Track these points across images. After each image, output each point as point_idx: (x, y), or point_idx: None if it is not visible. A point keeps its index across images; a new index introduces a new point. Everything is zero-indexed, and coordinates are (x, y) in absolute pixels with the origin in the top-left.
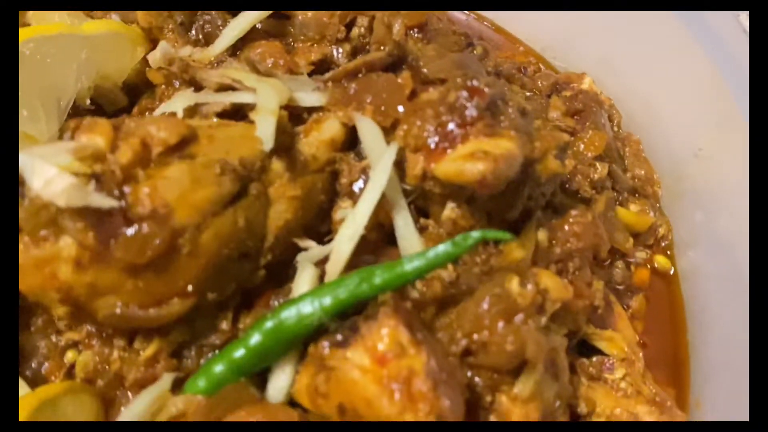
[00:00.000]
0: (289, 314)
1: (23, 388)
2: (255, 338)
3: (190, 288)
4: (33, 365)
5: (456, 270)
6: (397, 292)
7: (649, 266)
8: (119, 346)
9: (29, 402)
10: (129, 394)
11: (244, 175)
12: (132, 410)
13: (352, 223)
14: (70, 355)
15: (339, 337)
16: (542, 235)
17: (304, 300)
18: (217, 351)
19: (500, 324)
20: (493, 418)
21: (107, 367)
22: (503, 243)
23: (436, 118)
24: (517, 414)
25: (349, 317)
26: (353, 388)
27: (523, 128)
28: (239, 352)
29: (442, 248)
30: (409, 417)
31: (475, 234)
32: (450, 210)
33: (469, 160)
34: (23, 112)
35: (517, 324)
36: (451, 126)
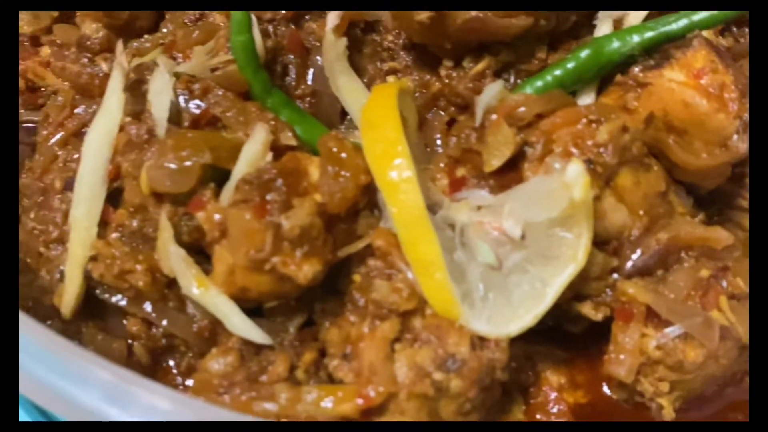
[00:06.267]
0: (609, 43)
1: None
2: (573, 61)
3: None
4: (364, 80)
5: None
6: None
7: None
8: (447, 66)
9: (394, 86)
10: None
11: None
12: (488, 93)
13: None
14: (391, 80)
15: (652, 62)
16: None
17: (623, 32)
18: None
19: None
20: None
21: (424, 90)
22: None
23: None
24: None
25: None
26: (669, 96)
27: None
28: (559, 71)
29: None
30: (721, 116)
31: None
32: None
33: None
34: None
35: None
36: None
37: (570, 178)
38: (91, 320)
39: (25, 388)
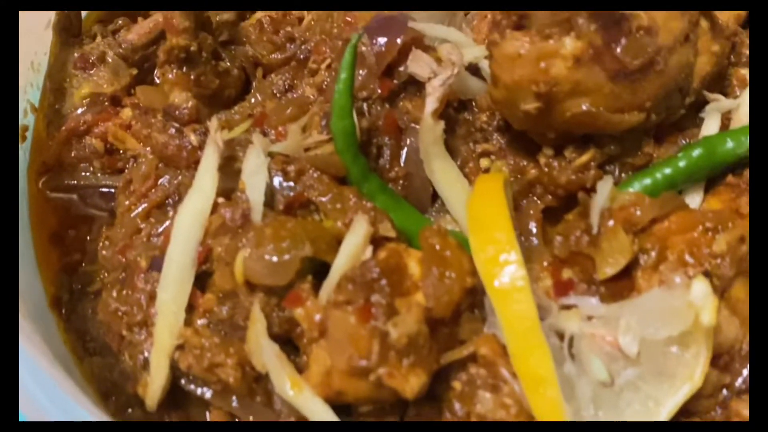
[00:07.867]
0: (722, 143)
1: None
2: (685, 160)
3: (648, 104)
4: (458, 162)
5: None
6: None
7: None
8: (547, 154)
9: (499, 179)
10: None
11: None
12: (602, 194)
13: None
14: (485, 163)
15: None
16: None
17: (737, 132)
18: (633, 171)
19: None
20: None
21: (519, 176)
22: None
23: None
24: None
25: None
26: None
27: None
28: (669, 169)
29: None
30: None
31: None
32: None
33: None
34: None
35: None
36: None
37: (696, 298)
38: (174, 410)
39: None
